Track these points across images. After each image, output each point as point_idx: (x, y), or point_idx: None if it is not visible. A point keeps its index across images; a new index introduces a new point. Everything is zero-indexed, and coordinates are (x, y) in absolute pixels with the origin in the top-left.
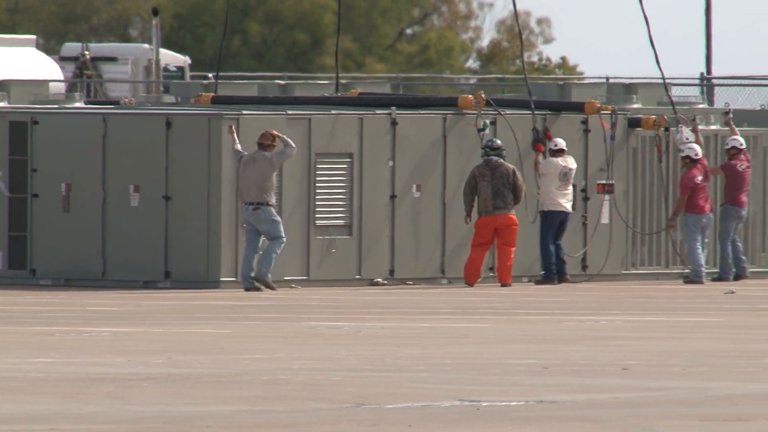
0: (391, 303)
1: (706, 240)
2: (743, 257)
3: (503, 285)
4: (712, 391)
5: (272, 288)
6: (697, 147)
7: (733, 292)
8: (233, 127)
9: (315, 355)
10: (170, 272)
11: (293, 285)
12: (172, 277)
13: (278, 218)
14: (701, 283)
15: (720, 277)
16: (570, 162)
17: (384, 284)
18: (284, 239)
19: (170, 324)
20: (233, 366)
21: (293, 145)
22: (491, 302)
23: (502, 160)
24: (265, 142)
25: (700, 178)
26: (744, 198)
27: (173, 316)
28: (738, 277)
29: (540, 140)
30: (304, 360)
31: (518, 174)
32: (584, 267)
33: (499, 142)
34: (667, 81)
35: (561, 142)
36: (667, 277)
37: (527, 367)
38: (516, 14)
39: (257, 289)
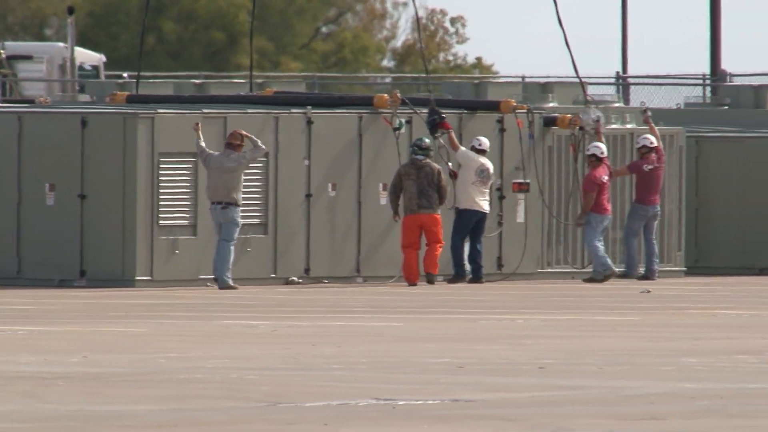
0: (307, 302)
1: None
2: (655, 259)
3: (427, 274)
4: (628, 390)
5: (230, 288)
6: (602, 146)
7: (648, 291)
8: (199, 124)
9: (230, 354)
10: (86, 271)
11: (209, 284)
12: (87, 276)
13: (240, 222)
14: (614, 273)
15: (626, 274)
16: (489, 164)
17: (299, 283)
18: (235, 242)
19: (86, 323)
20: (149, 365)
21: (263, 146)
22: (406, 301)
23: (428, 160)
24: (234, 142)
25: (605, 177)
26: (653, 197)
27: (89, 315)
28: (645, 277)
29: (443, 118)
30: (220, 359)
31: (443, 174)
32: (500, 266)
33: (428, 141)
34: (582, 79)
35: (485, 143)
36: (582, 276)
37: (443, 365)
38: (417, 19)
39: (233, 288)
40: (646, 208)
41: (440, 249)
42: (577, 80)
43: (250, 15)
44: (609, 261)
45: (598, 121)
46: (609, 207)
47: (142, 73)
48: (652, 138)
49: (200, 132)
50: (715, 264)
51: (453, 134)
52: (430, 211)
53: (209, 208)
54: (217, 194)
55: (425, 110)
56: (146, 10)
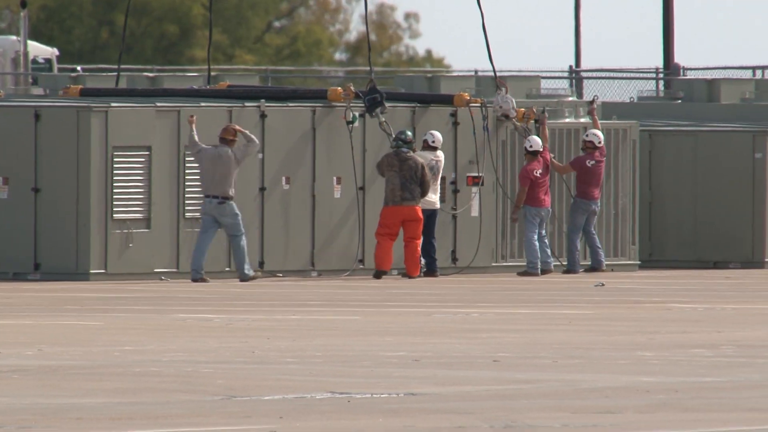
0: (261, 295)
1: (543, 233)
2: (599, 249)
3: (410, 278)
4: (583, 383)
5: (253, 278)
6: (537, 140)
7: (603, 285)
8: (194, 117)
9: (185, 347)
10: (40, 264)
11: (163, 277)
12: (41, 269)
13: (239, 213)
14: (537, 275)
15: (568, 270)
16: (438, 154)
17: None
18: (244, 232)
19: (40, 316)
20: (104, 358)
21: (256, 140)
22: (361, 294)
23: (412, 153)
24: (228, 137)
25: (539, 171)
26: (594, 192)
27: (43, 308)
28: (593, 269)
29: (383, 96)
30: (175, 352)
31: (426, 169)
32: (454, 259)
33: (410, 134)
34: (536, 73)
35: (438, 139)
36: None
37: (398, 359)
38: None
39: (204, 281)
40: (588, 203)
41: (419, 246)
42: (532, 74)
43: (207, 9)
44: (538, 263)
45: (543, 112)
46: (546, 199)
47: (95, 66)
48: (601, 136)
49: (194, 126)
50: (669, 257)
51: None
52: (412, 203)
53: (203, 201)
54: (213, 189)
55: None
56: (128, 6)
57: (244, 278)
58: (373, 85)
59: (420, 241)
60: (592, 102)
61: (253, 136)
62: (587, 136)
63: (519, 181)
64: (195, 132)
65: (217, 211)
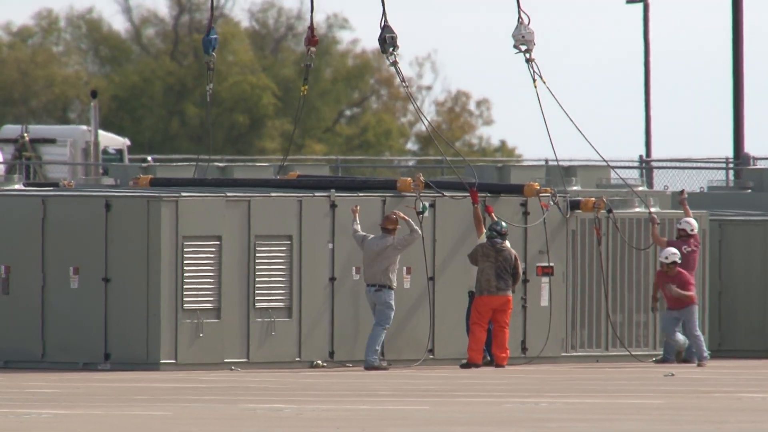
0: (331, 385)
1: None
2: (701, 343)
3: (499, 366)
4: None
5: (384, 369)
6: (675, 251)
7: (672, 375)
8: (357, 207)
9: None
10: (110, 354)
11: (233, 367)
12: (112, 359)
13: (393, 304)
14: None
15: (664, 360)
16: (506, 244)
17: (324, 366)
18: (389, 326)
19: (111, 406)
20: None
21: (418, 230)
22: (431, 384)
23: (506, 244)
24: (389, 227)
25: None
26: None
27: (113, 398)
28: (685, 360)
29: (396, 37)
30: None
31: (519, 260)
32: (524, 349)
33: (505, 226)
34: (606, 163)
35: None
36: (606, 359)
37: None
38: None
39: (383, 369)
40: None
41: (507, 334)
42: (602, 163)
43: (278, 99)
44: (682, 339)
45: (682, 192)
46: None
47: (165, 156)
48: (694, 224)
49: (357, 215)
50: (739, 347)
51: (479, 211)
52: (507, 293)
53: (365, 291)
54: (373, 278)
55: (449, 194)
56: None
57: (369, 365)
58: (386, 24)
59: (508, 330)
60: (681, 192)
61: (415, 225)
62: (680, 224)
63: (686, 284)
64: (358, 222)
65: (375, 298)
